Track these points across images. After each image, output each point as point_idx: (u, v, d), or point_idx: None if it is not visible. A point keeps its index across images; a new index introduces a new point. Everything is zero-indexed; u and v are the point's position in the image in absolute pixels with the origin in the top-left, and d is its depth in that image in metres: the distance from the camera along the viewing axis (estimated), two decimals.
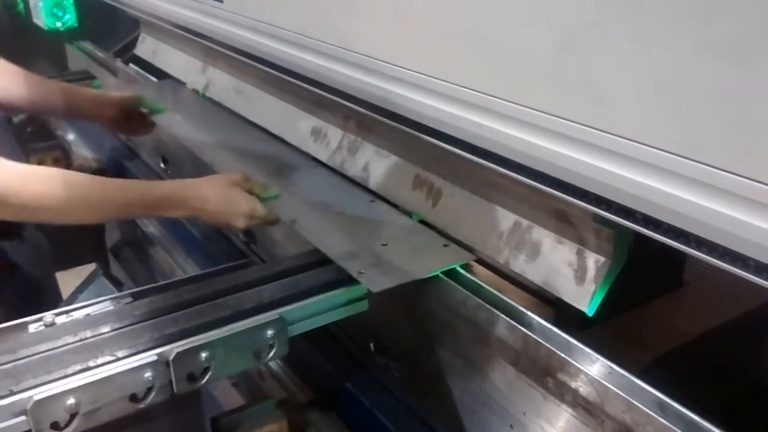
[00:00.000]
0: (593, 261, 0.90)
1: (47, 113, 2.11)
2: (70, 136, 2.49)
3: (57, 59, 2.86)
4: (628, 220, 0.77)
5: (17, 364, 0.88)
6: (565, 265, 0.92)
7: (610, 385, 0.84)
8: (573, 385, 0.88)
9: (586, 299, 0.89)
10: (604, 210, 0.79)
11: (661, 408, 0.79)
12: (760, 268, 0.66)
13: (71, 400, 0.83)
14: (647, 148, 0.71)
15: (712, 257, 0.70)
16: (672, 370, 1.08)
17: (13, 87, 1.58)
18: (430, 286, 1.09)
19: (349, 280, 1.07)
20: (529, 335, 0.94)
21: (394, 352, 1.22)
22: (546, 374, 0.92)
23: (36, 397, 0.81)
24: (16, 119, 2.63)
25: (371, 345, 1.25)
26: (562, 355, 0.90)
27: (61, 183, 1.13)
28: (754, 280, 0.67)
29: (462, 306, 1.04)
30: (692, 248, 0.71)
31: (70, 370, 0.86)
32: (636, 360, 1.03)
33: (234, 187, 1.26)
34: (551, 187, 0.84)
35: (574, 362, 0.88)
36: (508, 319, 0.97)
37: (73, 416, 0.84)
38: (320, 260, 1.13)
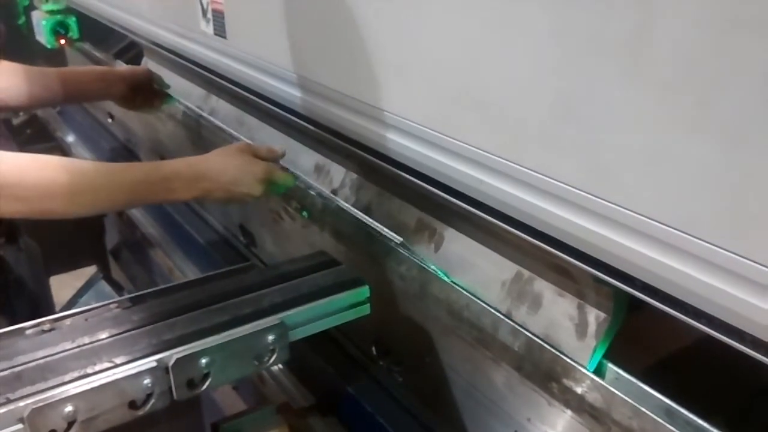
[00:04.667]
0: (594, 317, 0.89)
1: (49, 104, 2.02)
2: (70, 138, 2.49)
3: (57, 60, 2.85)
4: (626, 285, 0.76)
5: (14, 370, 0.86)
6: (566, 319, 0.92)
7: (616, 391, 0.82)
8: (578, 390, 0.87)
9: (587, 354, 0.88)
10: (603, 273, 0.79)
11: (669, 414, 0.78)
12: (757, 344, 0.65)
13: (69, 408, 0.82)
14: (646, 219, 0.71)
15: (709, 328, 0.69)
16: (675, 372, 1.07)
17: (13, 85, 1.54)
18: (432, 288, 1.08)
19: (351, 284, 1.06)
20: (533, 339, 0.93)
21: (396, 356, 1.21)
22: (551, 379, 0.91)
23: (33, 405, 0.80)
24: (15, 121, 2.63)
25: (373, 349, 1.24)
26: (567, 359, 0.89)
27: (62, 169, 1.07)
28: (753, 355, 0.66)
29: (465, 309, 1.03)
30: (690, 318, 0.71)
31: (67, 377, 0.85)
32: (640, 362, 1.02)
33: (244, 154, 1.21)
34: (552, 247, 0.84)
35: (579, 367, 0.87)
36: (511, 322, 0.96)
37: (71, 424, 0.82)
38: (321, 263, 1.12)
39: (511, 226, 0.89)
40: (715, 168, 0.64)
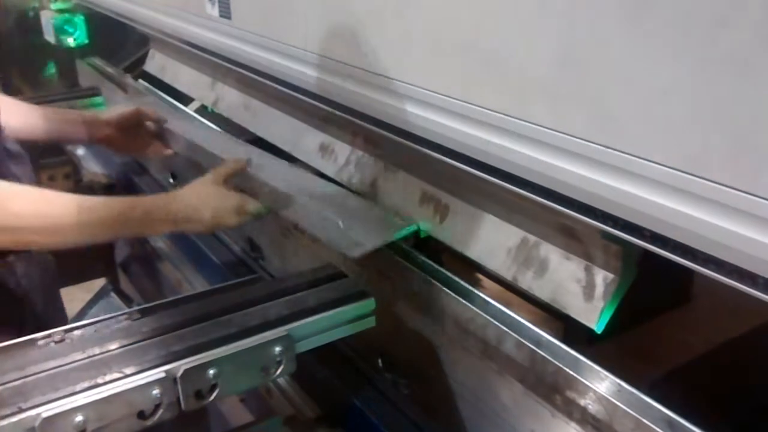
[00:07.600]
0: (601, 277, 0.89)
1: (27, 139, 1.97)
2: (80, 152, 2.51)
3: (67, 75, 2.88)
4: (635, 237, 0.77)
5: (26, 380, 0.88)
6: (573, 282, 0.92)
7: (618, 403, 0.83)
8: (581, 402, 0.88)
9: (594, 316, 0.89)
10: (611, 226, 0.79)
11: (671, 426, 0.78)
12: None
13: (79, 417, 0.83)
14: (653, 164, 0.71)
15: (719, 274, 0.69)
16: (680, 386, 1.07)
17: None
18: (438, 301, 1.09)
19: (357, 297, 1.07)
20: (537, 352, 0.93)
21: (402, 369, 1.22)
22: (554, 391, 0.92)
23: (44, 414, 0.82)
24: None
25: (379, 361, 1.25)
26: (571, 372, 0.89)
27: (44, 202, 1.09)
28: (763, 298, 0.66)
29: (470, 322, 1.04)
30: (699, 265, 0.71)
31: (78, 387, 0.86)
32: (644, 376, 1.02)
33: (217, 186, 1.25)
34: (558, 204, 0.84)
35: (582, 379, 0.88)
36: (515, 335, 0.97)
37: None
38: (328, 276, 1.13)
39: (519, 187, 0.89)
40: (724, 105, 0.64)
